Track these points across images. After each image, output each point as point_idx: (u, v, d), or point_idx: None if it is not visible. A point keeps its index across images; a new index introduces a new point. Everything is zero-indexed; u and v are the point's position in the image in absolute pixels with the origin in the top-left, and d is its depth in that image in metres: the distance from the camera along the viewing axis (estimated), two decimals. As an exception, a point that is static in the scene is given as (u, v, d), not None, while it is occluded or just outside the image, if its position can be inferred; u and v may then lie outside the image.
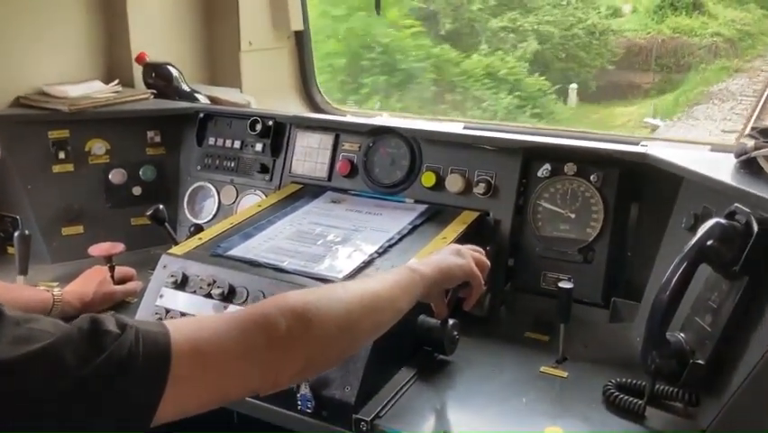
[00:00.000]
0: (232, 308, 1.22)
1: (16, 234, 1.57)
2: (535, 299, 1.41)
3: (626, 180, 1.40)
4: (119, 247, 1.61)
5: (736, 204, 1.06)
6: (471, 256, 1.18)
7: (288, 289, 1.18)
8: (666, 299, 1.03)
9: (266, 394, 0.88)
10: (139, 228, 1.79)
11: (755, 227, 1.00)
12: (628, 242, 1.47)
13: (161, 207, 1.58)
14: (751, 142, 1.16)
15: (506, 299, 1.45)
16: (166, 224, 1.55)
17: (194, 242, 1.39)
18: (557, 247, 1.42)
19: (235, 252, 1.33)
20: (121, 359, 0.73)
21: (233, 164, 1.78)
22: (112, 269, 1.50)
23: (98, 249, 1.60)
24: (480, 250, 1.23)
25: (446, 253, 1.18)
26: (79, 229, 1.77)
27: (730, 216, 1.05)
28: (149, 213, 1.58)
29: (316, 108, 2.38)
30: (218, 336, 0.82)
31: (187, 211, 1.82)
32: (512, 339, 1.34)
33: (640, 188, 1.44)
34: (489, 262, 1.22)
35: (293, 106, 2.33)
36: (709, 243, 1.02)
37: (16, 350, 0.69)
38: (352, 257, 1.30)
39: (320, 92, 2.43)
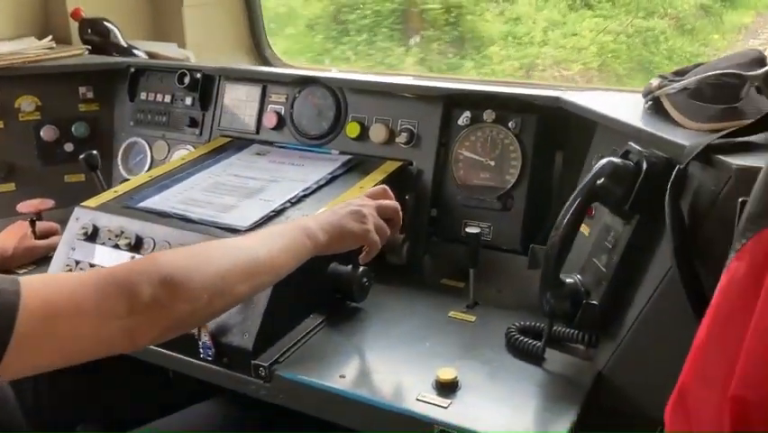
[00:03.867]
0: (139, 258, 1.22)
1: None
2: (456, 248, 1.40)
3: (546, 128, 1.38)
4: (48, 203, 1.61)
5: (629, 143, 1.05)
6: (374, 223, 1.12)
7: (194, 239, 1.18)
8: (558, 240, 1.03)
9: (126, 353, 0.87)
10: (72, 185, 1.78)
11: (644, 165, 0.98)
12: (553, 190, 1.46)
13: (95, 152, 1.56)
14: (656, 82, 1.14)
15: (429, 248, 1.44)
16: (98, 171, 1.54)
17: (109, 194, 1.38)
18: (477, 195, 1.41)
19: (147, 203, 1.32)
20: None
21: (164, 119, 1.76)
22: (33, 223, 1.49)
23: (27, 206, 1.59)
24: (393, 203, 1.20)
25: (349, 215, 1.10)
26: (11, 187, 1.75)
27: (624, 155, 1.04)
28: (81, 156, 1.56)
29: (266, 65, 2.34)
30: (75, 297, 0.80)
31: (121, 167, 1.80)
32: (428, 286, 1.34)
33: (563, 136, 1.43)
34: (388, 230, 1.16)
35: (243, 64, 2.30)
36: (600, 181, 1.01)
37: None
38: (263, 207, 1.29)
39: (270, 47, 2.39)
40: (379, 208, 1.16)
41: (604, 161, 1.02)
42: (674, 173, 0.93)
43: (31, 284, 0.79)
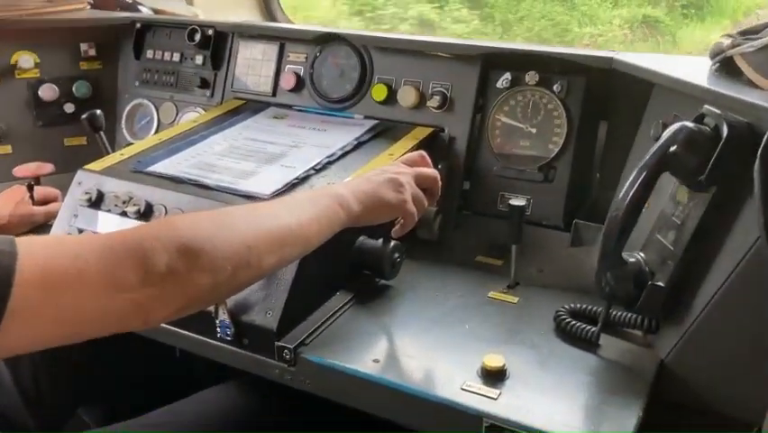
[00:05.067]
0: (148, 227, 1.11)
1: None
2: (491, 222, 1.30)
3: (593, 93, 1.27)
4: (47, 168, 1.49)
5: (705, 106, 0.93)
6: (411, 193, 1.01)
7: (210, 208, 1.07)
8: (622, 214, 0.91)
9: (137, 330, 0.76)
10: (73, 149, 1.66)
11: (725, 131, 0.87)
12: (596, 161, 1.35)
13: (99, 111, 1.44)
14: (728, 41, 1.03)
15: (460, 223, 1.33)
16: (101, 132, 1.41)
17: (115, 157, 1.26)
18: (516, 166, 1.29)
19: (157, 167, 1.20)
20: None
21: (172, 79, 1.63)
22: (31, 188, 1.37)
23: (24, 170, 1.48)
24: (432, 171, 1.09)
25: (385, 183, 0.99)
26: (7, 149, 1.64)
27: (699, 119, 0.93)
28: (84, 116, 1.43)
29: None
30: (78, 264, 0.69)
31: (125, 131, 1.68)
32: (462, 264, 1.22)
33: (609, 104, 1.32)
34: (425, 202, 1.05)
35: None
36: (673, 149, 0.89)
37: None
38: (285, 174, 1.17)
39: (281, 8, 2.25)
40: (417, 177, 1.04)
41: (677, 125, 0.90)
42: (765, 139, 0.82)
43: (29, 247, 0.67)
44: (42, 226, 1.36)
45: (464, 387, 0.89)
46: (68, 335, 0.71)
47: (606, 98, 1.30)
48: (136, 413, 1.11)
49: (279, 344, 0.98)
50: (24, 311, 0.64)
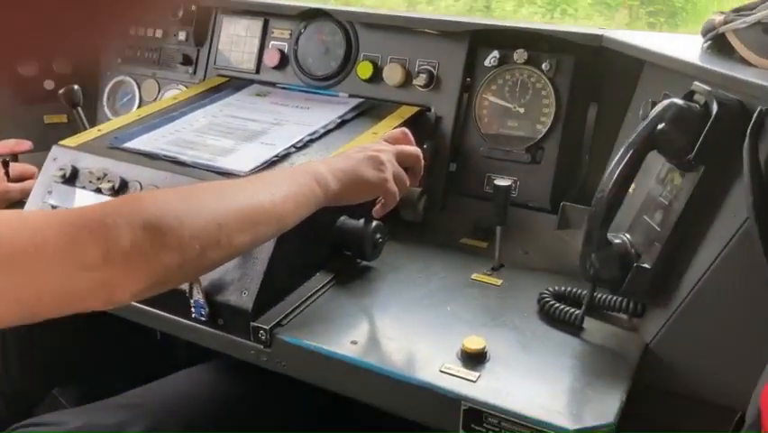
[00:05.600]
0: (123, 204, 1.07)
1: None
2: (477, 204, 1.27)
3: (583, 72, 1.24)
4: (25, 145, 1.45)
5: (695, 83, 0.90)
6: (392, 171, 0.99)
7: (186, 184, 1.04)
8: (608, 193, 0.88)
9: (104, 310, 0.73)
10: (53, 127, 1.63)
11: (715, 108, 0.84)
12: (586, 144, 1.32)
13: (76, 87, 1.40)
14: (719, 17, 1.00)
15: (445, 204, 1.30)
16: (79, 108, 1.38)
17: (92, 133, 1.23)
18: (503, 146, 1.27)
19: (134, 143, 1.17)
20: None
21: (155, 56, 1.60)
22: (6, 165, 1.33)
23: (1, 146, 1.44)
24: (415, 149, 1.06)
25: (365, 161, 0.96)
26: (-15, 126, 1.60)
27: (689, 96, 0.90)
28: (61, 91, 1.40)
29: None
30: (36, 239, 0.65)
31: (107, 109, 1.64)
32: (446, 245, 1.20)
33: (600, 85, 1.28)
34: (407, 181, 1.03)
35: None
36: (660, 126, 0.86)
37: None
38: (265, 151, 1.14)
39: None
40: (398, 155, 1.01)
41: (666, 102, 0.87)
42: (755, 117, 0.79)
43: None
44: (19, 203, 1.33)
45: (443, 369, 0.87)
46: (26, 315, 0.68)
47: (596, 79, 1.27)
48: (115, 393, 1.08)
49: (255, 324, 0.95)
50: None
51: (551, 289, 1.01)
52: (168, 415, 1.03)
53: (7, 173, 1.33)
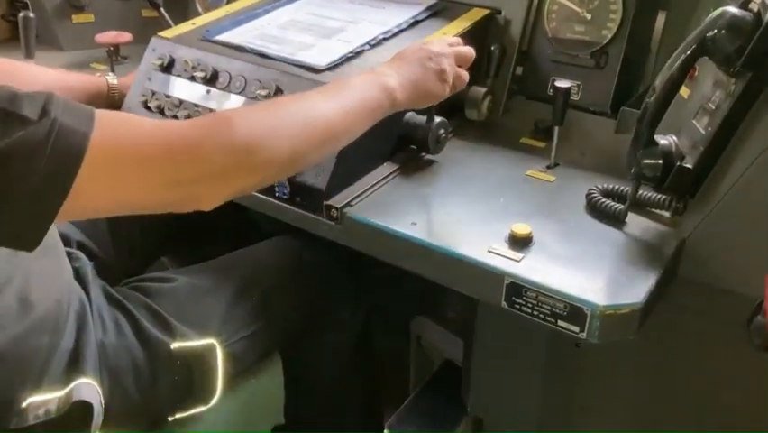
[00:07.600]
0: (214, 92, 1.20)
1: (20, 15, 1.55)
2: (540, 107, 1.33)
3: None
4: (126, 36, 1.60)
5: (753, -9, 0.93)
6: (452, 75, 1.09)
7: (270, 76, 1.15)
8: (658, 96, 0.94)
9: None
10: (150, 21, 1.75)
11: (766, 16, 0.87)
12: (652, 51, 1.35)
13: None
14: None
15: (510, 107, 1.37)
16: (161, 9, 1.50)
17: (186, 26, 1.35)
18: (569, 50, 1.31)
19: (223, 36, 1.28)
20: (23, 154, 0.67)
21: (243, -46, 1.68)
22: (110, 54, 1.48)
23: (105, 37, 1.59)
24: (470, 51, 1.14)
25: (433, 74, 1.06)
26: (90, 18, 1.75)
27: (744, 5, 0.93)
28: None
29: None
30: (143, 152, 0.76)
31: (198, 4, 1.75)
32: (507, 144, 1.28)
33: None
34: (466, 79, 1.13)
35: None
36: (712, 33, 0.90)
37: None
38: (341, 47, 1.23)
39: None
40: (457, 58, 1.11)
41: (719, 10, 0.91)
42: (804, 26, 0.83)
43: (105, 127, 0.74)
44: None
45: (491, 250, 0.97)
46: (129, 209, 0.82)
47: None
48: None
49: (327, 203, 1.07)
50: (85, 189, 0.71)
51: (599, 186, 1.09)
52: (250, 281, 1.19)
53: (112, 62, 1.48)
